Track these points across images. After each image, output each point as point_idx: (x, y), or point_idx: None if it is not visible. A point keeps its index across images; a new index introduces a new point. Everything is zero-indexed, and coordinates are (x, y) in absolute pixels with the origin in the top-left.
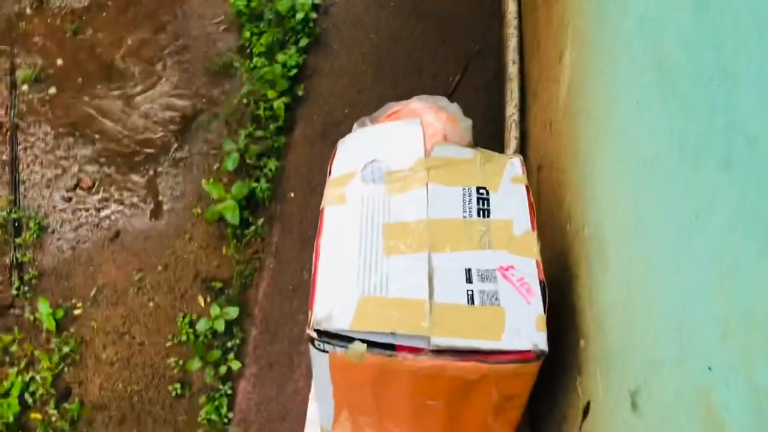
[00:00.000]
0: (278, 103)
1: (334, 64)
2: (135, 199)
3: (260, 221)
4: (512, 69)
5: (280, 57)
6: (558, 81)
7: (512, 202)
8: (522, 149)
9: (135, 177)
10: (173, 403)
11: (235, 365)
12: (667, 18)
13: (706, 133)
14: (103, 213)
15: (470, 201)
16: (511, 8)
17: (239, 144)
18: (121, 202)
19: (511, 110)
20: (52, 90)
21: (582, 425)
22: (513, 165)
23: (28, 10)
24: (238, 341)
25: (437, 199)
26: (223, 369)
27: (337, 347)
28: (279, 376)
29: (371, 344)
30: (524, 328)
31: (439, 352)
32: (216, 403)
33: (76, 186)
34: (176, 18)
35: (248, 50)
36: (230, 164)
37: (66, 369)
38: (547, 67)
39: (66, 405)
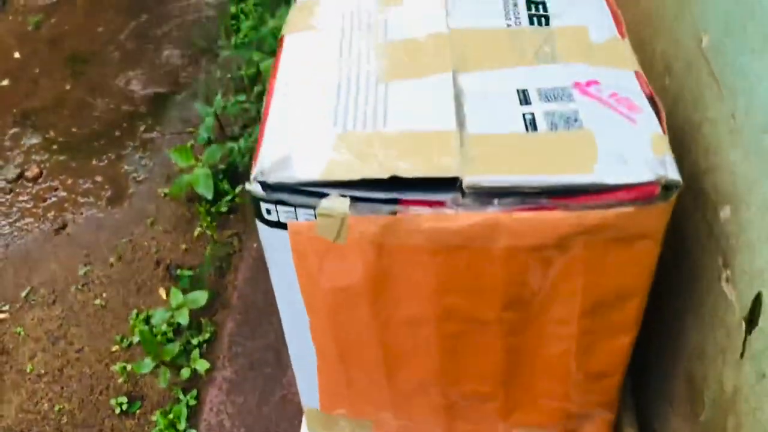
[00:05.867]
0: (266, 65)
1: None
2: (89, 186)
3: (238, 189)
4: None
5: (271, 23)
6: None
7: (582, 4)
8: None
9: (93, 162)
10: (116, 424)
11: (202, 366)
12: None
13: None
14: (48, 202)
15: (516, 4)
16: None
17: (215, 107)
18: (73, 190)
19: None
20: (5, 82)
21: (746, 343)
22: None
23: None
24: (207, 335)
25: (462, 3)
26: (185, 372)
27: (301, 210)
28: (263, 379)
29: (357, 200)
30: (632, 152)
31: (480, 196)
32: (171, 416)
33: (20, 176)
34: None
35: (235, 28)
36: (204, 132)
37: None
38: None
39: None
